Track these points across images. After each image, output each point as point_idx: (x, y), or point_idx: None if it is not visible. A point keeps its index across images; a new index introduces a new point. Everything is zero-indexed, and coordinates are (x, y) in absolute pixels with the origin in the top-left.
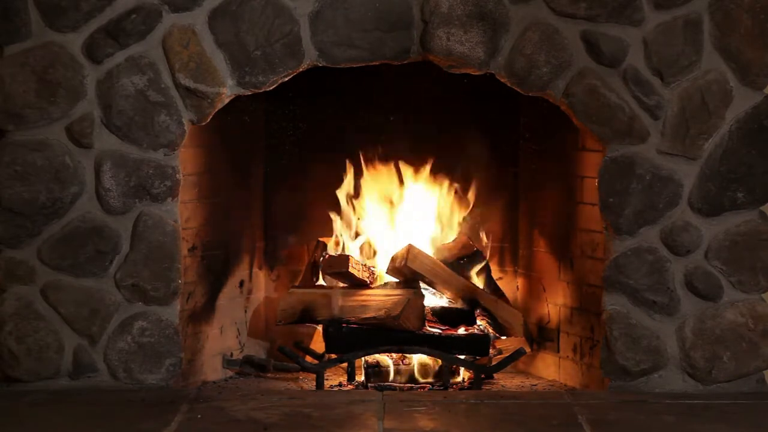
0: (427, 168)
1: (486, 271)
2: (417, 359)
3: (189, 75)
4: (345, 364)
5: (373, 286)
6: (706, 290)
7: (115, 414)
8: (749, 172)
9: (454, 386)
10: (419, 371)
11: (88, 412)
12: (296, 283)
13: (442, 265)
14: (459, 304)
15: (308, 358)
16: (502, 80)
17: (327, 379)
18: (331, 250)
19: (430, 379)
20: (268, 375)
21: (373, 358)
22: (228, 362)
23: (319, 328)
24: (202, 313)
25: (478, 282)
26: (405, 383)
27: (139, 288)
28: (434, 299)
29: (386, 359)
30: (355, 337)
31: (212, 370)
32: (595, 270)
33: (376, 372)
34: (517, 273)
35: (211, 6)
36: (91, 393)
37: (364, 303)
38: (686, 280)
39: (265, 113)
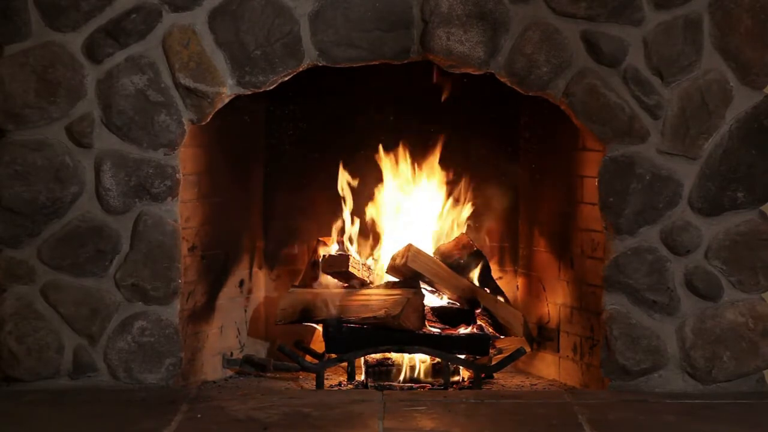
0: (427, 167)
1: (486, 271)
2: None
3: (189, 75)
4: (345, 364)
5: (373, 285)
6: (706, 290)
7: (115, 414)
8: (749, 172)
9: (454, 386)
10: (413, 370)
11: (88, 412)
12: (296, 283)
13: (442, 264)
14: (459, 304)
15: (308, 358)
16: (502, 80)
17: (327, 379)
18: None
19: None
20: (268, 375)
21: (373, 357)
22: (228, 362)
23: (319, 327)
24: (202, 313)
25: (478, 282)
26: (405, 383)
27: (139, 288)
28: (434, 299)
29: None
30: (355, 336)
31: (212, 369)
32: (595, 270)
33: (380, 371)
34: (517, 273)
35: (211, 6)
36: (91, 393)
37: (364, 303)
38: (686, 280)
39: (265, 113)
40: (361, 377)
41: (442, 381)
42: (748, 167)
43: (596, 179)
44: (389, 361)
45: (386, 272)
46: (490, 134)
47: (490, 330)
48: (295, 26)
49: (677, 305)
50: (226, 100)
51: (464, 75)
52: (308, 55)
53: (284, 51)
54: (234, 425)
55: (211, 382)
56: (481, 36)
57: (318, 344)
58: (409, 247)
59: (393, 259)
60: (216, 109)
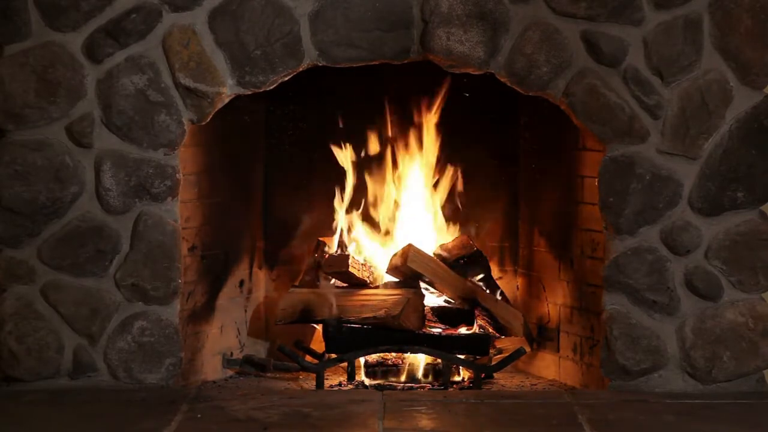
0: (427, 167)
1: (486, 271)
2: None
3: (189, 74)
4: (345, 364)
5: (372, 285)
6: (706, 290)
7: (115, 414)
8: (749, 172)
9: (454, 386)
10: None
11: (88, 412)
12: (296, 283)
13: (442, 264)
14: (459, 304)
15: (308, 358)
16: (502, 80)
17: (327, 379)
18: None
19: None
20: (268, 375)
21: (373, 357)
22: (228, 362)
23: (319, 327)
24: (202, 313)
25: (478, 282)
26: (405, 383)
27: (139, 287)
28: (434, 299)
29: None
30: (355, 336)
31: (212, 369)
32: (595, 270)
33: (381, 371)
34: (517, 273)
35: (211, 5)
36: (91, 393)
37: (364, 303)
38: (686, 280)
39: (265, 113)
40: (361, 377)
41: (441, 381)
42: (748, 167)
43: (596, 179)
44: (389, 361)
45: (386, 272)
46: (490, 134)
47: (490, 330)
48: (295, 26)
49: (677, 305)
50: (226, 100)
51: (464, 75)
52: (308, 55)
53: (284, 51)
54: (234, 425)
55: (211, 382)
56: (481, 36)
57: (318, 344)
58: (409, 247)
59: (393, 259)
60: (216, 109)
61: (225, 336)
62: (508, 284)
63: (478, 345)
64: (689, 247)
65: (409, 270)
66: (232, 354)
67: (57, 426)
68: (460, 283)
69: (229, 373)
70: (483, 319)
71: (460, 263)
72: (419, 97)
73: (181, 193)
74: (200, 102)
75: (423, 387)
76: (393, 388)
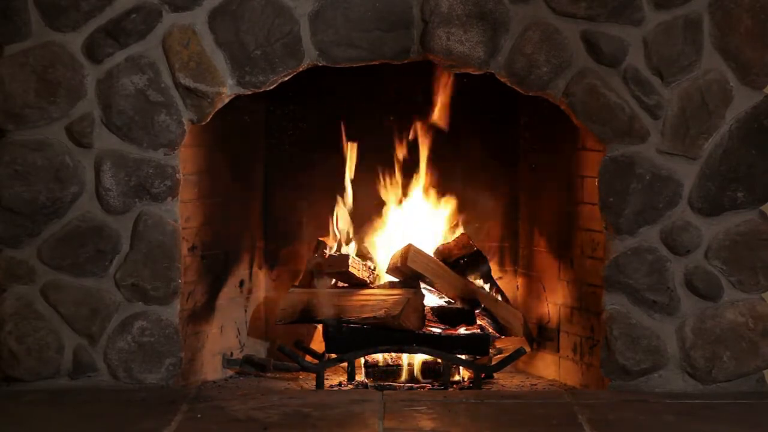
0: (427, 167)
1: (486, 271)
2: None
3: (189, 74)
4: (345, 364)
5: (373, 285)
6: (706, 290)
7: (115, 414)
8: (749, 172)
9: (454, 386)
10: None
11: (88, 412)
12: (296, 283)
13: (442, 264)
14: (459, 304)
15: (308, 358)
16: (502, 80)
17: (327, 379)
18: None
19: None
20: (268, 375)
21: (373, 358)
22: (228, 362)
23: (319, 327)
24: (202, 313)
25: (478, 282)
26: (405, 383)
27: (139, 287)
28: (434, 299)
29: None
30: (355, 336)
31: (212, 369)
32: (595, 270)
33: (381, 371)
34: (517, 273)
35: (211, 5)
36: (91, 393)
37: (364, 303)
38: (686, 280)
39: (265, 113)
40: (361, 377)
41: (441, 381)
42: (748, 167)
43: (596, 179)
44: (391, 361)
45: (386, 272)
46: (490, 134)
47: (490, 330)
48: (295, 26)
49: (677, 305)
50: (226, 100)
51: (464, 75)
52: (308, 55)
53: (284, 51)
54: (234, 425)
55: (211, 382)
56: (481, 36)
57: (318, 344)
58: (409, 247)
59: (393, 259)
60: (216, 109)
61: (225, 336)
62: (508, 284)
63: (478, 345)
64: (689, 247)
65: (409, 270)
66: (232, 354)
67: (57, 426)
68: (460, 283)
69: (229, 373)
70: (483, 319)
71: (460, 263)
72: (419, 97)
73: (181, 193)
74: (200, 102)
75: (423, 387)
76: (393, 388)
